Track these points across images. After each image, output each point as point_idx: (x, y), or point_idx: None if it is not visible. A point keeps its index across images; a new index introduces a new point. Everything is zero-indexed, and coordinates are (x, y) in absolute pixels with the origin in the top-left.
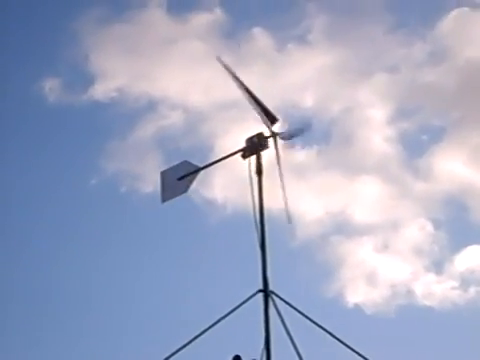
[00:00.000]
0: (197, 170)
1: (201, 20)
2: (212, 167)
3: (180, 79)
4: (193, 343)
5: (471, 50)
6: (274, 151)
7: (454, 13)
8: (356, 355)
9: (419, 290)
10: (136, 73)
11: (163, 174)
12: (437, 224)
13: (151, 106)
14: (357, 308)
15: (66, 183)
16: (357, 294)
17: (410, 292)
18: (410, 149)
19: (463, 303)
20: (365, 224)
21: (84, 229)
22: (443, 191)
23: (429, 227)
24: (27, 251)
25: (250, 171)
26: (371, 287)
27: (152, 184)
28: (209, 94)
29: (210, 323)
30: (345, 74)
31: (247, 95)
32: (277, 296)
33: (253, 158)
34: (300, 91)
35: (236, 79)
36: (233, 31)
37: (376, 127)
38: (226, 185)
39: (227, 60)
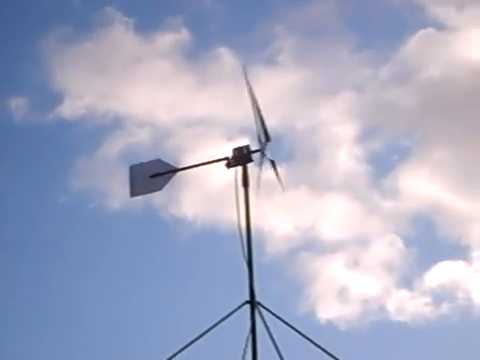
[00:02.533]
0: (174, 171)
1: (167, 39)
2: (183, 180)
3: (146, 97)
4: (180, 355)
5: (435, 70)
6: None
7: (419, 34)
8: None
9: (391, 306)
10: (102, 91)
11: (132, 169)
12: (407, 240)
13: (118, 123)
14: (330, 324)
15: (35, 201)
16: (329, 310)
17: (382, 308)
18: (376, 167)
19: (435, 319)
20: (334, 240)
21: (55, 247)
22: (410, 208)
23: (399, 243)
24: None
25: (236, 182)
26: (343, 303)
27: (120, 201)
28: (175, 112)
29: (197, 335)
30: (311, 93)
31: (255, 110)
32: (264, 307)
33: (239, 169)
34: (266, 110)
35: (251, 93)
36: (198, 51)
37: (342, 145)
38: (195, 201)
39: (192, 79)
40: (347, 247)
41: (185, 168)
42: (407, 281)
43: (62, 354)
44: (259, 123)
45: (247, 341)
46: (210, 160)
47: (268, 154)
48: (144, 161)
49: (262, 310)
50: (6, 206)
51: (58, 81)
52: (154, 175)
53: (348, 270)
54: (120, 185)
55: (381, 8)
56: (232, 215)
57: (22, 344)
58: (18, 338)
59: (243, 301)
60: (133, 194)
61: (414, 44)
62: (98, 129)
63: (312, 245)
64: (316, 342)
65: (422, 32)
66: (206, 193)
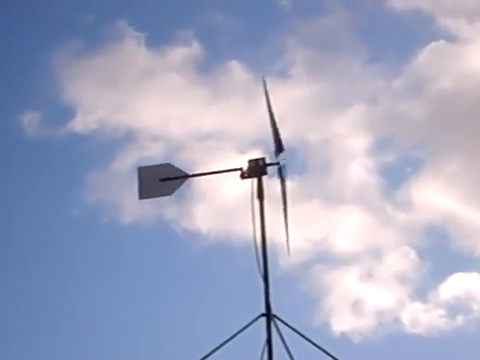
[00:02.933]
0: (185, 176)
1: (179, 53)
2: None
3: (158, 110)
4: None
5: (446, 81)
6: (277, 180)
7: (431, 46)
8: None
9: (406, 318)
10: (114, 105)
11: (141, 171)
12: (420, 252)
13: (130, 137)
14: (344, 337)
15: (48, 214)
16: (343, 323)
17: (397, 320)
18: (389, 179)
19: (450, 331)
20: (347, 253)
21: (68, 260)
22: (423, 220)
23: (412, 255)
24: (13, 283)
25: (252, 194)
26: (357, 316)
27: (132, 215)
28: (187, 125)
29: (213, 348)
30: (323, 106)
31: (271, 120)
32: (280, 320)
33: (254, 181)
34: (278, 123)
35: (268, 103)
36: (210, 64)
37: (354, 157)
38: (208, 214)
39: (204, 93)
40: (361, 259)
41: (197, 175)
42: (421, 293)
43: None
44: (274, 135)
45: (263, 353)
46: (223, 169)
47: (283, 169)
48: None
49: (278, 322)
50: (19, 219)
51: (70, 95)
52: (164, 179)
53: (362, 282)
54: (132, 199)
55: (392, 20)
56: (245, 228)
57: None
58: (30, 350)
59: (258, 314)
60: (142, 197)
61: (425, 56)
62: (110, 143)
63: (325, 258)
64: (332, 354)
65: (433, 44)
66: (218, 206)
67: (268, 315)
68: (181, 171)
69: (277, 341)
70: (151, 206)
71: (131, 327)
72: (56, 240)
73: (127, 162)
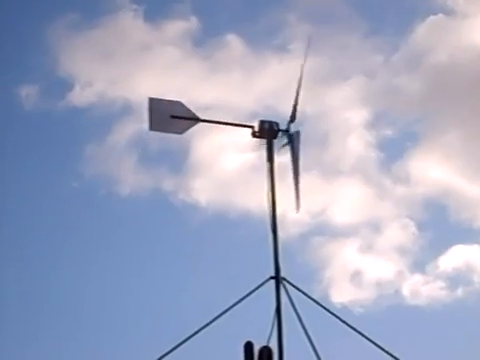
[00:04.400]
0: (197, 119)
1: (176, 27)
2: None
3: (156, 83)
4: (206, 330)
5: (444, 55)
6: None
7: (429, 19)
8: (368, 342)
9: (406, 290)
10: (112, 78)
11: (152, 102)
12: (420, 225)
13: (128, 110)
14: (345, 309)
15: (47, 187)
16: (343, 295)
17: (397, 292)
18: (387, 152)
19: (451, 302)
20: (346, 225)
21: (68, 231)
22: (422, 193)
23: (412, 227)
24: (14, 254)
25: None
26: (357, 288)
27: (129, 187)
28: (184, 98)
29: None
30: (321, 79)
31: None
32: (289, 283)
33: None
34: (277, 96)
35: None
36: (207, 38)
37: (353, 130)
38: (206, 187)
39: (201, 66)
40: (359, 231)
41: (209, 121)
42: (421, 265)
43: (83, 334)
44: (294, 101)
45: (274, 318)
46: (236, 123)
47: (296, 135)
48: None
49: (287, 285)
50: (19, 191)
51: (67, 68)
52: (175, 116)
53: (361, 254)
54: (130, 171)
55: None
56: (243, 201)
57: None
58: (29, 316)
59: (267, 277)
60: (153, 128)
61: (423, 30)
62: (108, 115)
63: (324, 229)
64: (342, 317)
65: (432, 18)
66: (216, 179)
67: (277, 278)
68: (192, 112)
69: (286, 304)
70: (149, 178)
71: (133, 296)
72: (55, 212)
73: (125, 135)
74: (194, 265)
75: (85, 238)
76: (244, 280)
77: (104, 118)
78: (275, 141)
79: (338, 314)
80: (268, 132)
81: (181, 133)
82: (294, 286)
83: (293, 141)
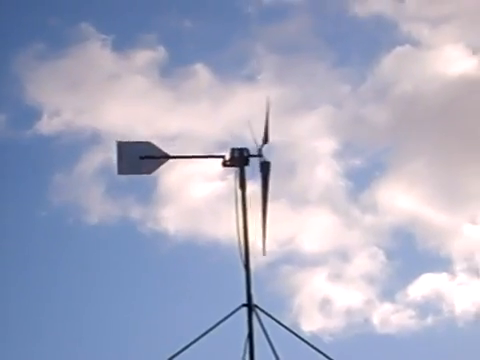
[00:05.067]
0: (166, 157)
1: (144, 56)
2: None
3: (124, 113)
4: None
5: (411, 86)
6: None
7: (396, 50)
8: None
9: (376, 319)
10: (80, 107)
11: (120, 145)
12: (388, 253)
13: (95, 139)
14: (314, 337)
15: (16, 216)
16: (313, 323)
17: (367, 321)
18: (354, 181)
19: (421, 331)
20: (315, 254)
21: (38, 260)
22: (389, 222)
23: (381, 256)
24: None
25: (236, 184)
26: (326, 316)
27: (97, 216)
28: (152, 127)
29: (194, 338)
30: (289, 108)
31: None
32: (261, 310)
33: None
34: (244, 125)
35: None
36: (175, 67)
37: (320, 159)
38: (174, 215)
39: (169, 95)
40: (328, 260)
41: (178, 157)
42: (390, 293)
43: None
44: (265, 126)
45: (246, 345)
46: (206, 155)
47: (266, 164)
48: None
49: (259, 313)
50: None
51: (35, 97)
52: (144, 157)
53: (330, 283)
54: (98, 200)
55: (355, 26)
56: (212, 228)
57: None
58: None
59: (239, 304)
60: (121, 172)
61: (390, 60)
62: (76, 144)
63: (293, 258)
64: (311, 343)
65: (399, 49)
66: (185, 207)
67: (249, 305)
68: (161, 151)
69: (258, 331)
70: (117, 207)
71: (103, 326)
72: (23, 241)
73: (93, 164)
74: (163, 293)
75: (54, 267)
76: (214, 308)
77: (72, 147)
78: (246, 168)
79: (305, 345)
80: (239, 159)
81: (150, 173)
82: (266, 313)
83: (263, 170)
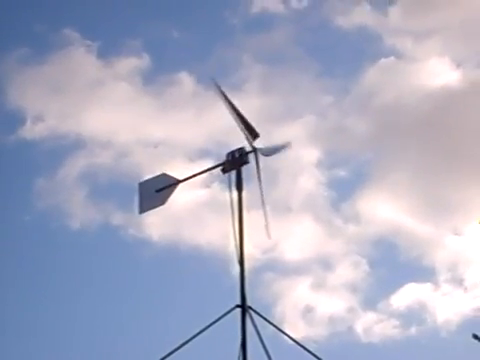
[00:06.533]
0: (176, 183)
1: (128, 64)
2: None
3: (107, 118)
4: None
5: (393, 97)
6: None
7: (380, 62)
8: None
9: (359, 328)
10: (64, 112)
11: (141, 186)
12: (371, 262)
13: (79, 144)
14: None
15: (0, 220)
16: (296, 331)
17: (350, 329)
18: (336, 191)
19: (405, 340)
20: (298, 261)
21: (21, 266)
22: (371, 232)
23: (364, 265)
24: None
25: (230, 186)
26: (309, 324)
27: (79, 221)
28: (136, 133)
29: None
30: (273, 117)
31: (232, 110)
32: (254, 311)
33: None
34: (228, 133)
35: (226, 99)
36: (159, 75)
37: (303, 168)
38: (156, 222)
39: (153, 102)
40: (311, 268)
41: (186, 179)
42: (374, 302)
43: None
44: (240, 124)
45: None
46: (208, 168)
47: (262, 151)
48: (150, 177)
49: (252, 314)
50: None
51: (19, 102)
52: (159, 190)
53: (313, 291)
54: (80, 205)
55: (339, 37)
56: (194, 235)
57: None
58: None
59: (233, 305)
60: (142, 211)
61: (374, 72)
62: (59, 150)
63: (276, 266)
64: (303, 344)
65: (383, 61)
66: (167, 214)
67: (243, 306)
68: (173, 178)
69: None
70: (98, 212)
71: (89, 329)
72: (8, 244)
73: (76, 168)
74: (150, 297)
75: (39, 270)
76: (200, 312)
77: (55, 152)
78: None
79: (289, 353)
80: (237, 162)
81: (164, 203)
82: (259, 314)
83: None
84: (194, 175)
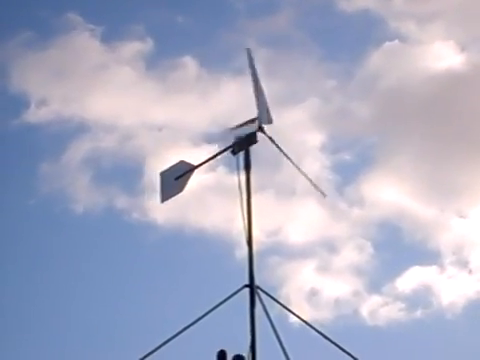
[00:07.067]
0: (191, 169)
1: (132, 48)
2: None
3: (111, 102)
4: (178, 338)
5: (398, 81)
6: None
7: (385, 45)
8: (341, 351)
9: (365, 311)
10: (68, 96)
11: (162, 175)
12: (376, 245)
13: (83, 128)
14: (303, 328)
15: (5, 204)
16: (301, 314)
17: (356, 312)
18: (341, 174)
19: (410, 323)
20: (302, 244)
21: (31, 248)
22: (376, 215)
23: (369, 249)
24: None
25: (238, 167)
26: (315, 307)
27: (83, 205)
28: (140, 117)
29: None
30: (277, 101)
31: (257, 88)
32: (263, 291)
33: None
34: (232, 116)
35: (254, 72)
36: (163, 59)
37: (307, 152)
38: (160, 206)
39: (157, 86)
40: (316, 251)
41: (201, 164)
42: (378, 285)
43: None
44: (262, 103)
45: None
46: (218, 151)
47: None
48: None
49: (261, 294)
50: None
51: (23, 87)
52: (178, 177)
53: (318, 274)
54: (85, 189)
55: (342, 21)
56: (198, 218)
57: None
58: None
59: (241, 285)
60: (163, 200)
61: (378, 55)
62: (63, 134)
63: (280, 249)
64: (315, 326)
65: (388, 44)
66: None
67: (252, 286)
68: (190, 164)
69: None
70: (102, 195)
71: (95, 313)
72: (13, 230)
73: (80, 152)
74: (155, 280)
75: (44, 255)
76: (207, 295)
77: (59, 136)
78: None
79: (294, 336)
80: (244, 142)
81: (182, 190)
82: (268, 295)
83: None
84: (207, 160)
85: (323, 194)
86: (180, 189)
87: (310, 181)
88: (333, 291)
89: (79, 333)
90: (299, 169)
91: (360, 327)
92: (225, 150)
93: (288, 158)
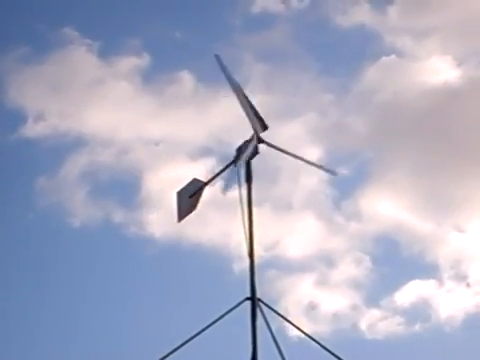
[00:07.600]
0: (202, 186)
1: (129, 63)
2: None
3: (108, 117)
4: (181, 350)
5: (393, 95)
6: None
7: (381, 61)
8: None
9: (364, 324)
10: (65, 111)
11: (178, 194)
12: (374, 259)
13: (80, 142)
14: (302, 341)
15: (4, 219)
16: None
17: (354, 326)
18: (338, 188)
19: (409, 337)
20: (300, 258)
21: (29, 261)
22: (373, 229)
23: (367, 262)
24: None
25: (239, 180)
26: (313, 321)
27: (80, 219)
28: (137, 132)
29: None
30: (274, 115)
31: (242, 98)
32: (264, 304)
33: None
34: (230, 130)
35: (232, 82)
36: (159, 74)
37: (304, 165)
38: (158, 220)
39: (153, 101)
40: (314, 265)
41: (210, 180)
42: (377, 299)
43: None
44: (250, 113)
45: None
46: (225, 166)
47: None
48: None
49: (262, 306)
50: None
51: (20, 101)
52: (192, 195)
53: (316, 288)
54: (81, 202)
55: (339, 36)
56: (195, 233)
57: None
58: None
59: (243, 298)
60: (180, 219)
61: (375, 70)
62: (60, 148)
63: (278, 263)
64: (313, 337)
65: (384, 59)
66: (168, 212)
67: (253, 299)
68: (201, 181)
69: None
70: (99, 209)
71: (97, 325)
72: (12, 244)
73: (77, 167)
74: (153, 294)
75: (43, 268)
76: (205, 308)
77: (56, 150)
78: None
79: (293, 349)
80: (251, 153)
81: (195, 208)
82: (270, 307)
83: None
84: (215, 176)
85: (333, 173)
86: (194, 206)
87: (317, 165)
88: (332, 305)
89: (76, 347)
90: (304, 160)
91: (359, 341)
92: (230, 164)
93: (292, 155)
